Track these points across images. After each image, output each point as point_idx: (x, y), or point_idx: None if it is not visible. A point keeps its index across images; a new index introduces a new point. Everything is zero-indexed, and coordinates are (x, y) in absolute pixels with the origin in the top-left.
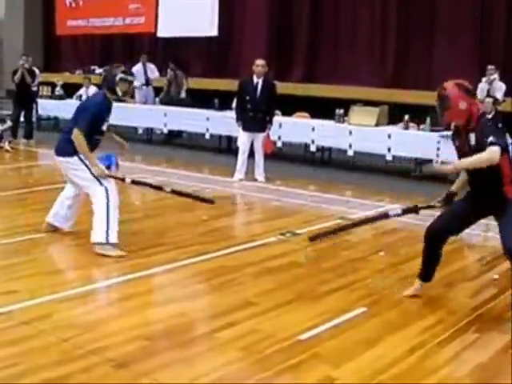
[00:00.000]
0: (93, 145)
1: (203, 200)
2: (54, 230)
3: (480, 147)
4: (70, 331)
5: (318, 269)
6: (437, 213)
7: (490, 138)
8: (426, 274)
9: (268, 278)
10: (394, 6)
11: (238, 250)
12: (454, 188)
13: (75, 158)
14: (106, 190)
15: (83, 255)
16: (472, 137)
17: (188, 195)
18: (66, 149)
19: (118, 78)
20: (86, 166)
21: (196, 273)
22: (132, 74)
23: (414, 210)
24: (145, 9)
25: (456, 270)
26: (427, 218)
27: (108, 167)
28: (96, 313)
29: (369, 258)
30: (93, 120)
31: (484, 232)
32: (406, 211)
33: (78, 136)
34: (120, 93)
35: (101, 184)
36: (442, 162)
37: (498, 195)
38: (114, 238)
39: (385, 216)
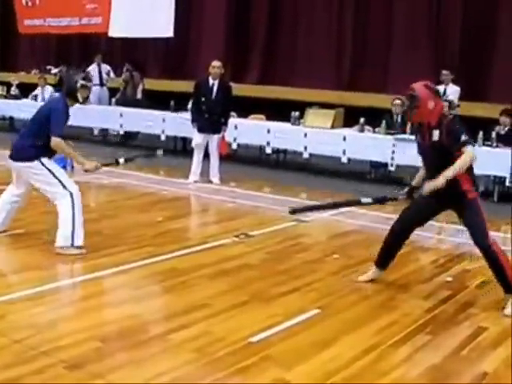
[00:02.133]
0: (54, 150)
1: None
2: None
3: (441, 143)
4: (23, 332)
5: (271, 271)
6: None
7: (463, 138)
8: (384, 262)
9: (222, 279)
10: (350, 9)
11: (192, 251)
12: (414, 183)
13: (36, 162)
14: (71, 194)
15: (37, 256)
16: (435, 133)
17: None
18: (26, 153)
19: (78, 84)
20: (49, 170)
21: (150, 274)
22: (90, 80)
23: (383, 200)
24: (102, 9)
25: (410, 272)
26: (381, 220)
27: (64, 168)
28: (49, 314)
29: (323, 260)
30: (64, 124)
31: (437, 235)
32: (375, 200)
33: (58, 143)
34: (81, 99)
35: (65, 188)
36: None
37: (455, 191)
38: (79, 241)
39: (357, 203)
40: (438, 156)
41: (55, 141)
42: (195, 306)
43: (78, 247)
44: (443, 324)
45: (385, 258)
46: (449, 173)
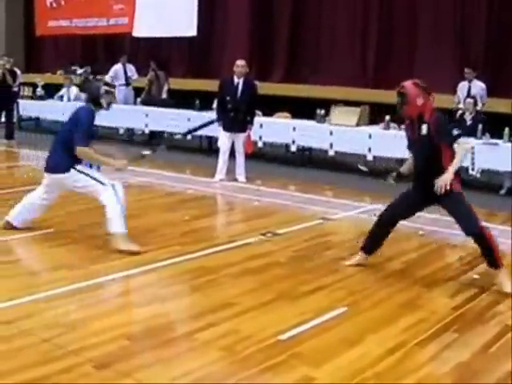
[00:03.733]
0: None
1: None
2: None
3: (429, 137)
4: (51, 331)
5: (298, 269)
6: None
7: (455, 131)
8: (371, 249)
9: (249, 278)
10: (375, 7)
11: (219, 250)
12: (402, 169)
13: (72, 171)
14: (113, 186)
15: (66, 255)
16: (424, 127)
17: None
18: (59, 166)
19: (102, 90)
20: (85, 174)
21: (177, 273)
22: (113, 86)
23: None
24: (128, 9)
25: (436, 270)
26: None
27: (90, 167)
28: (78, 313)
29: (349, 259)
30: (88, 133)
31: None
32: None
33: (83, 151)
34: (105, 105)
35: (104, 184)
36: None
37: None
38: (126, 228)
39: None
40: (426, 149)
41: (80, 150)
42: (222, 304)
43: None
44: (470, 322)
45: (371, 245)
46: (455, 165)
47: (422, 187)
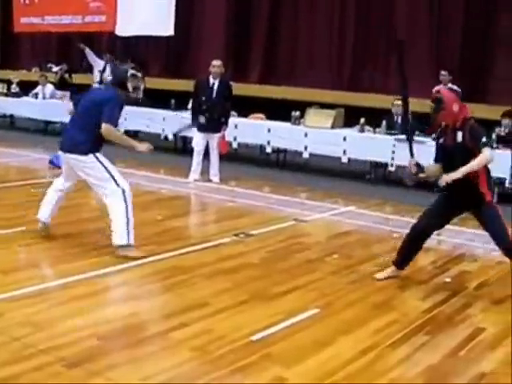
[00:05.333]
0: (104, 142)
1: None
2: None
3: (464, 144)
4: (22, 330)
5: (271, 270)
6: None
7: (483, 139)
8: (403, 263)
9: (222, 278)
10: (352, 10)
11: (193, 250)
12: (426, 174)
13: (90, 155)
14: (123, 191)
15: (37, 254)
16: (459, 134)
17: None
18: (80, 146)
19: (129, 74)
20: (102, 164)
21: (151, 272)
22: (139, 70)
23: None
24: (107, 7)
25: (409, 273)
26: (381, 220)
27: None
28: (49, 312)
29: (322, 260)
30: (119, 113)
31: (437, 235)
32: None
33: (109, 130)
34: (131, 89)
35: (117, 184)
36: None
37: (474, 194)
38: (132, 239)
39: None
40: (460, 157)
41: (107, 128)
42: (196, 304)
43: (131, 245)
44: (441, 325)
45: (404, 259)
46: (466, 168)
47: (455, 195)
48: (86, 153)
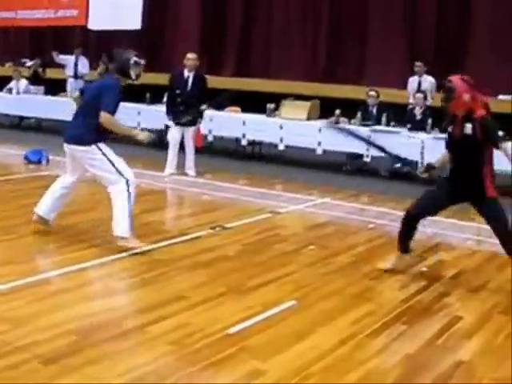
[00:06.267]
0: (108, 132)
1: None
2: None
3: (473, 137)
4: None
5: (248, 263)
6: None
7: (500, 133)
8: (406, 247)
9: (199, 271)
10: (325, 1)
11: (169, 243)
12: (434, 162)
13: (93, 146)
14: (127, 181)
15: (12, 250)
16: (468, 127)
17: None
18: (83, 137)
19: (132, 61)
20: (105, 155)
21: (127, 267)
22: (141, 58)
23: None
24: (78, 2)
25: (385, 263)
26: (356, 211)
27: (39, 162)
28: (25, 308)
29: (299, 252)
30: (118, 102)
31: None
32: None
33: (108, 118)
34: (133, 76)
35: (120, 174)
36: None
37: (476, 186)
38: (132, 229)
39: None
40: (467, 149)
41: (105, 116)
42: (172, 298)
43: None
44: (419, 314)
45: (405, 244)
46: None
47: (454, 185)
48: (88, 143)
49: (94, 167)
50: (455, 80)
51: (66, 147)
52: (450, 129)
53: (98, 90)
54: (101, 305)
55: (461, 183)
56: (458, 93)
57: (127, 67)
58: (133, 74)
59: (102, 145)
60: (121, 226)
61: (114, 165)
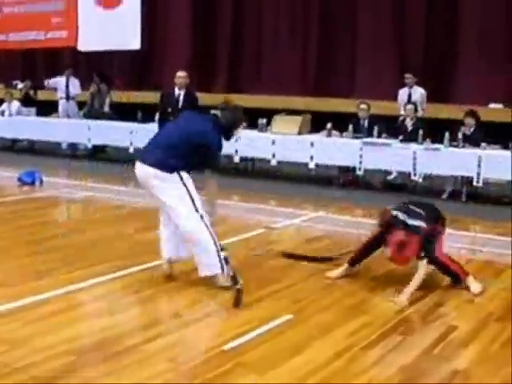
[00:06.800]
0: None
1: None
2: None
3: None
4: None
5: (243, 279)
6: None
7: None
8: (358, 262)
9: (193, 289)
10: (315, 16)
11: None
12: None
13: (174, 174)
14: (202, 216)
15: (9, 272)
16: None
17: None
18: (168, 163)
19: (242, 124)
20: (185, 186)
21: (123, 286)
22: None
23: None
24: (67, 23)
25: (381, 274)
26: (351, 224)
27: (32, 183)
28: (23, 330)
29: (293, 266)
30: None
31: None
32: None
33: (213, 182)
34: (234, 136)
35: (196, 209)
36: None
37: None
38: (225, 266)
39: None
40: None
41: (211, 179)
42: (169, 315)
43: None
44: (414, 324)
45: (360, 259)
46: None
47: None
48: (171, 171)
49: (169, 196)
50: None
51: (142, 166)
52: None
53: (200, 139)
54: (97, 324)
55: None
56: None
57: (235, 127)
58: (235, 134)
59: (184, 174)
60: (206, 266)
61: (191, 197)
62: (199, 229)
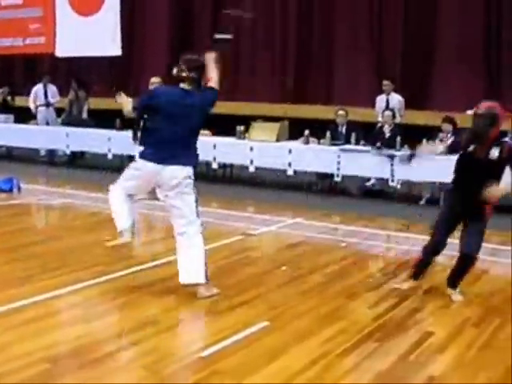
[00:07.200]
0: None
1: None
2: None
3: (498, 161)
4: None
5: (220, 285)
6: None
7: None
8: (421, 274)
9: (171, 296)
10: (293, 23)
11: (141, 269)
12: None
13: (191, 168)
14: (201, 223)
15: None
16: (495, 151)
17: None
18: (191, 157)
19: None
20: (194, 188)
21: (99, 293)
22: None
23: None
24: (45, 29)
25: (358, 281)
26: (328, 230)
27: (10, 190)
28: (1, 336)
29: (271, 273)
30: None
31: (385, 243)
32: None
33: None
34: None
35: (197, 215)
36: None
37: (481, 205)
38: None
39: None
40: (487, 171)
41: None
42: (145, 322)
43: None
44: (391, 331)
45: (421, 271)
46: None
47: (464, 204)
48: (192, 164)
49: (184, 200)
50: (497, 107)
51: (171, 169)
52: (470, 150)
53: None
54: (73, 332)
55: (469, 203)
56: (499, 120)
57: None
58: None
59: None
60: (198, 272)
61: (196, 202)
62: (198, 235)
